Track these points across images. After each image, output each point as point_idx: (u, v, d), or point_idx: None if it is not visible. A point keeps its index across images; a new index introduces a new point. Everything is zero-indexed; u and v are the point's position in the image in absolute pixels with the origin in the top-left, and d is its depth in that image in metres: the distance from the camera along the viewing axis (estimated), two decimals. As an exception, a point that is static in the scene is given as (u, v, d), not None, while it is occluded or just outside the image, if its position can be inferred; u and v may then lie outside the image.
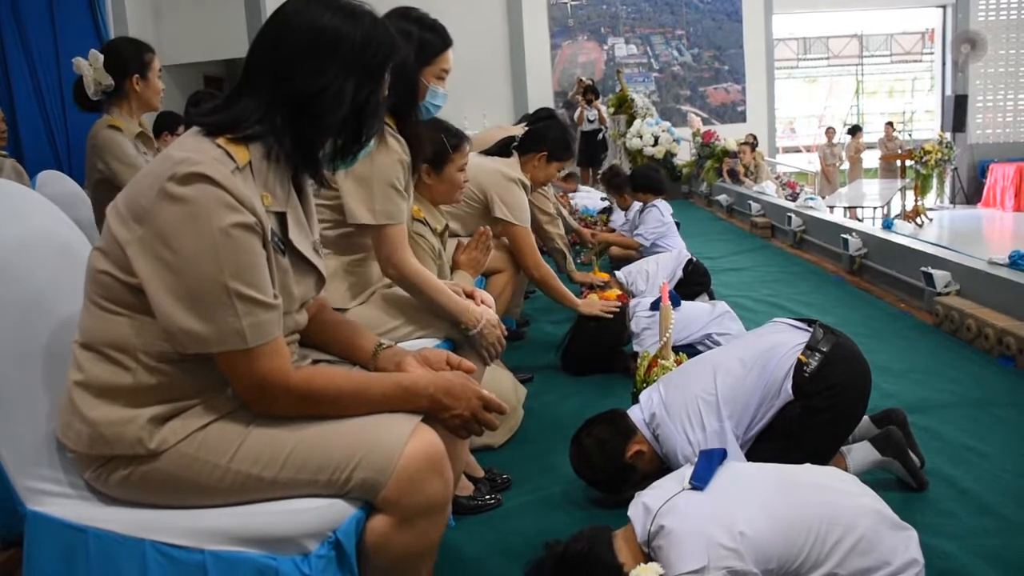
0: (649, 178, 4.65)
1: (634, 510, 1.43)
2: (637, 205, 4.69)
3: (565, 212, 4.55)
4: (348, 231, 1.78)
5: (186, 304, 1.02)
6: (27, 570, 1.09)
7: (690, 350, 2.67)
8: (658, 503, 1.39)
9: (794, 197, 7.64)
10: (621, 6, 11.07)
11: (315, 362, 1.30)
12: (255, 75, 1.13)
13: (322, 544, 1.07)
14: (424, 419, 1.16)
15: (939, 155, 11.00)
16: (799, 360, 1.76)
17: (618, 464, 1.84)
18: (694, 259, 3.69)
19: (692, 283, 3.55)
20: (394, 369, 1.29)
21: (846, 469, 1.77)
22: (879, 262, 4.24)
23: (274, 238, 1.11)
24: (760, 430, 1.77)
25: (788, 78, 16.54)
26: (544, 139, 2.99)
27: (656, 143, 9.26)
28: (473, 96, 9.55)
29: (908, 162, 11.20)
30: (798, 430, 1.75)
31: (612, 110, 9.79)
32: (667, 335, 2.36)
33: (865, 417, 1.97)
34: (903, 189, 10.91)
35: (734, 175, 8.63)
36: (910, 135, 13.02)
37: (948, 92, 12.52)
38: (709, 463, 1.46)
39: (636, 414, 1.90)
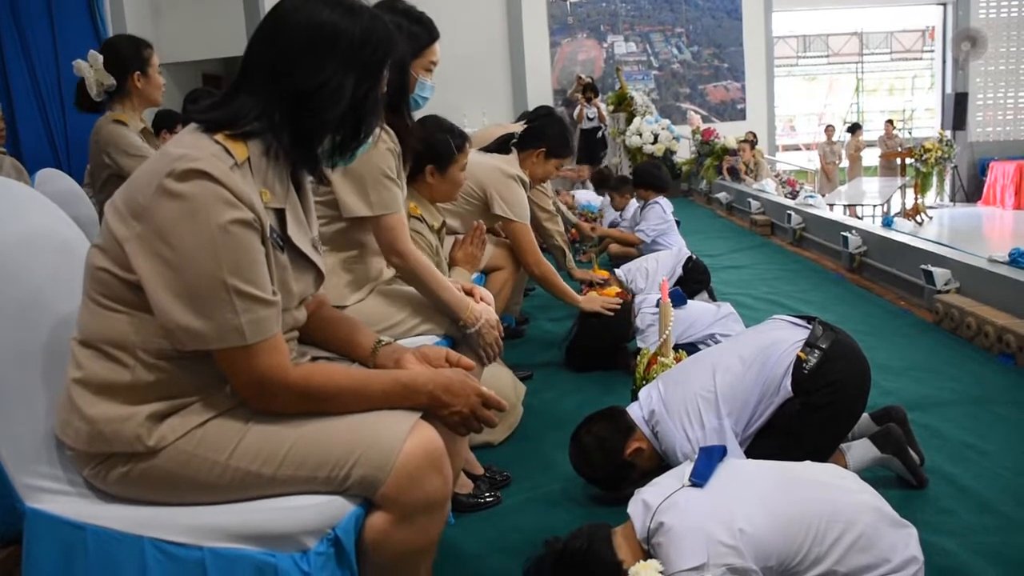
0: (652, 175, 4.65)
1: (633, 507, 1.43)
2: (634, 203, 4.69)
3: (564, 208, 4.56)
4: (344, 227, 1.78)
5: (185, 301, 1.02)
6: (26, 567, 1.08)
7: (691, 348, 2.66)
8: (658, 500, 1.39)
9: (794, 195, 7.62)
10: (620, 4, 11.04)
11: (314, 359, 1.30)
12: (253, 71, 1.13)
13: (321, 541, 1.06)
14: (423, 416, 1.16)
15: (939, 153, 10.99)
16: (798, 357, 1.76)
17: (617, 461, 1.84)
18: (694, 257, 3.69)
19: (692, 281, 3.55)
20: (393, 366, 1.29)
21: (846, 466, 1.77)
22: (879, 260, 4.24)
23: (273, 234, 1.10)
24: (759, 427, 1.77)
25: (788, 76, 16.50)
26: (543, 135, 2.99)
27: (656, 141, 9.23)
28: (472, 94, 9.55)
29: (908, 160, 11.18)
30: (797, 427, 1.74)
31: (612, 108, 9.76)
32: (667, 332, 2.36)
33: (865, 414, 1.97)
34: (903, 187, 10.89)
35: (734, 173, 8.63)
36: (910, 133, 13.03)
37: (948, 90, 12.49)
38: (709, 460, 1.46)
39: (635, 411, 1.90)
